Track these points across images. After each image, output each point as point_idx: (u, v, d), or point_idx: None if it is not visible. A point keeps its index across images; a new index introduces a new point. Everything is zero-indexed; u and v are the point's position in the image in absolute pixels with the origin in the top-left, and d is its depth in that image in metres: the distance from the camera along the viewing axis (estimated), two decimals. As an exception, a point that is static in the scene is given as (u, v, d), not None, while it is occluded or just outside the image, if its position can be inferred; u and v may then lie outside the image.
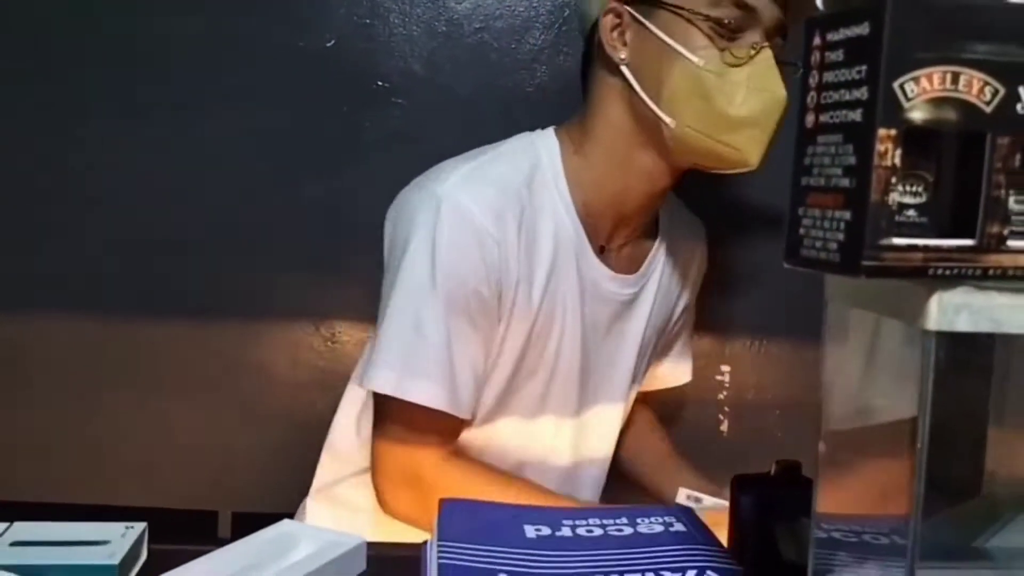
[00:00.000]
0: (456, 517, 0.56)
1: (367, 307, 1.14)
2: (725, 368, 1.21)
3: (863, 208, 0.31)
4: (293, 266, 1.13)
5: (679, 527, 0.56)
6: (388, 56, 1.11)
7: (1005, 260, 0.32)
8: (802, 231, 0.35)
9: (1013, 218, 0.33)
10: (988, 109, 0.31)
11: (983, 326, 0.33)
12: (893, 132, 0.31)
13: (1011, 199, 0.32)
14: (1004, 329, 0.33)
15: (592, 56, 0.85)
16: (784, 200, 0.37)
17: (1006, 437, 0.49)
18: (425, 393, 0.77)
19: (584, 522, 0.56)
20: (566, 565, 0.50)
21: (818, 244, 0.34)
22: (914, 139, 0.31)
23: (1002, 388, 0.49)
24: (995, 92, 0.31)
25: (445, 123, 1.11)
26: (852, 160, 0.32)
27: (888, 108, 0.31)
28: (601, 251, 0.86)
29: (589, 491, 0.93)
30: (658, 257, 0.92)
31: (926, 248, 0.32)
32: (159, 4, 1.10)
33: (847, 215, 0.32)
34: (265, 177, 1.12)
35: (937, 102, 0.31)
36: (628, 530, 0.55)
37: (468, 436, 0.85)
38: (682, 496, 0.86)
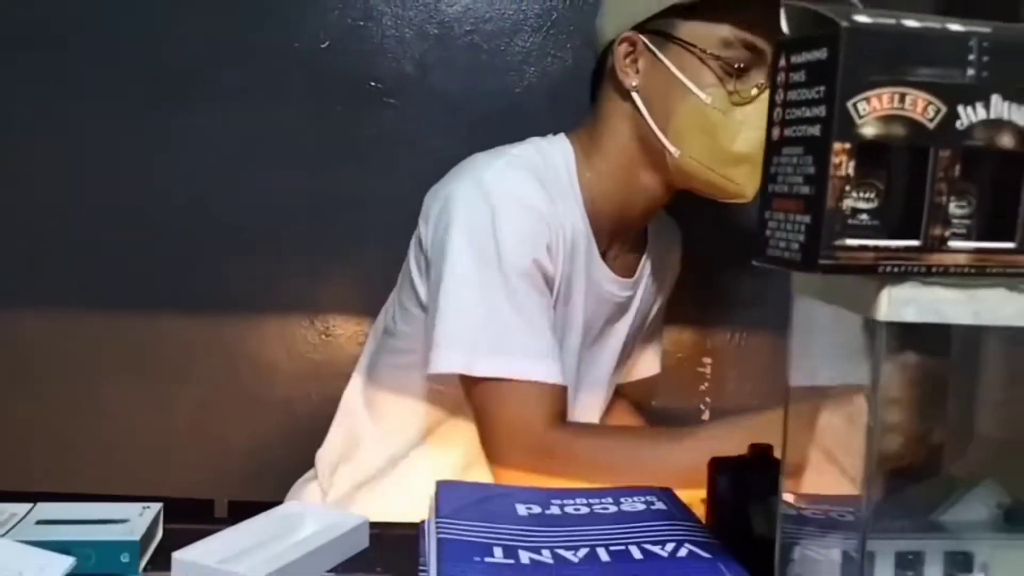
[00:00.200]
0: (452, 497, 0.59)
1: (361, 302, 1.18)
2: (707, 360, 1.26)
3: (820, 213, 0.35)
4: (289, 262, 1.17)
5: (660, 505, 0.60)
6: (381, 57, 1.15)
7: (947, 259, 0.37)
8: (768, 232, 0.39)
9: (954, 221, 0.37)
10: (931, 126, 0.35)
11: (928, 317, 0.37)
12: (847, 146, 0.35)
13: (952, 205, 0.36)
14: (946, 320, 0.37)
15: (603, 74, 0.88)
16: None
17: (963, 421, 0.53)
18: (536, 369, 0.77)
19: (572, 501, 0.60)
20: (555, 539, 0.53)
21: (782, 244, 0.38)
22: (866, 152, 0.35)
23: (960, 375, 0.53)
24: (937, 110, 0.35)
25: (436, 123, 1.14)
26: (811, 170, 0.36)
27: (843, 124, 0.35)
28: (603, 256, 0.90)
29: None
30: (647, 263, 0.96)
31: (876, 248, 0.36)
32: (156, 5, 1.12)
33: (807, 219, 0.36)
34: (262, 175, 1.15)
35: (886, 119, 0.35)
36: (612, 508, 0.59)
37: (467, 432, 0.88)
38: None
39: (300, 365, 1.20)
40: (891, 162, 0.36)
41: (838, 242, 0.35)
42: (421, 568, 0.54)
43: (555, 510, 0.59)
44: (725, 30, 0.78)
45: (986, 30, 0.36)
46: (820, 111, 0.35)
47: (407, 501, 0.64)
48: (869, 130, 0.35)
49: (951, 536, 0.51)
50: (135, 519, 0.55)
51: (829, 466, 0.46)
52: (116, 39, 1.12)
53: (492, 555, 0.51)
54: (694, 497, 0.63)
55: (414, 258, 0.88)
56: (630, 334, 0.97)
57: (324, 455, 0.98)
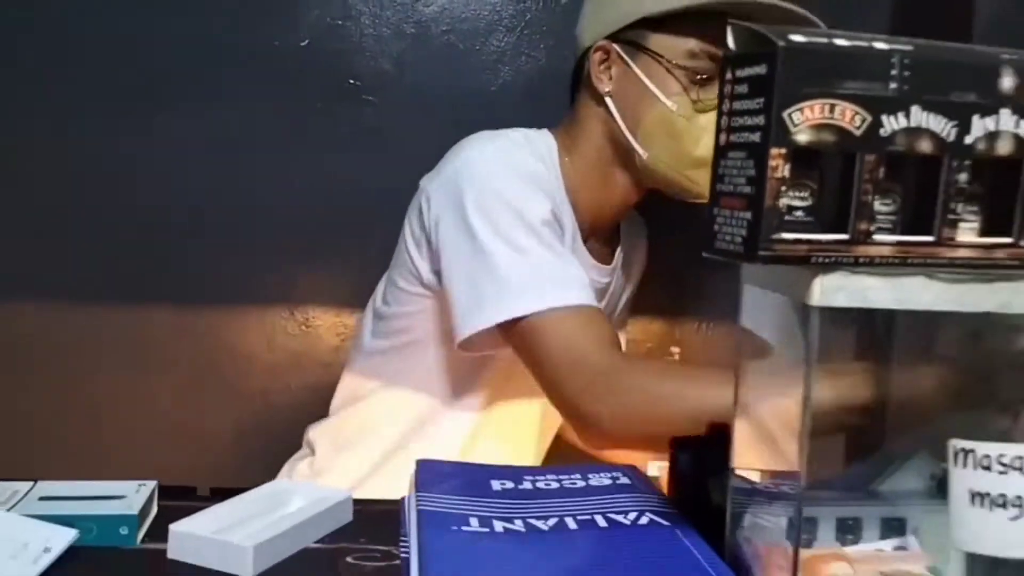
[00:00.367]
0: (431, 474, 0.63)
1: (340, 294, 1.22)
2: (675, 349, 1.31)
3: (760, 210, 0.40)
4: (270, 255, 1.20)
5: (625, 480, 0.64)
6: (360, 56, 1.18)
7: (872, 251, 0.41)
8: (716, 227, 0.43)
9: (879, 218, 0.41)
10: (858, 133, 0.40)
11: (856, 302, 0.42)
12: (783, 151, 0.39)
13: (876, 203, 0.41)
14: (872, 305, 0.42)
15: (581, 78, 0.93)
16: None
17: (898, 398, 0.58)
18: (568, 295, 0.77)
19: (543, 477, 0.64)
20: (527, 511, 0.58)
21: (727, 238, 0.42)
22: (800, 156, 0.40)
23: (894, 358, 0.58)
24: (863, 119, 0.40)
25: (413, 119, 1.18)
26: (752, 172, 0.40)
27: (779, 132, 0.39)
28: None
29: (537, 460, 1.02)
30: (620, 255, 1.01)
31: (810, 241, 0.40)
32: (138, 4, 1.15)
33: (748, 215, 0.40)
34: (243, 171, 1.18)
35: (818, 127, 0.39)
36: (580, 483, 0.63)
37: (462, 419, 0.92)
38: (653, 468, 0.95)
39: (280, 356, 1.23)
40: (822, 165, 0.40)
41: (775, 236, 0.40)
42: (402, 539, 0.58)
43: (527, 485, 0.63)
44: (691, 43, 0.83)
45: (908, 48, 0.41)
46: (760, 120, 0.40)
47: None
48: (803, 137, 0.39)
49: (887, 503, 0.56)
50: (132, 495, 0.58)
51: (773, 441, 0.51)
52: (99, 37, 1.14)
53: (468, 524, 0.55)
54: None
55: (412, 240, 0.91)
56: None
57: (319, 438, 1.00)
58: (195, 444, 1.23)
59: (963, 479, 0.42)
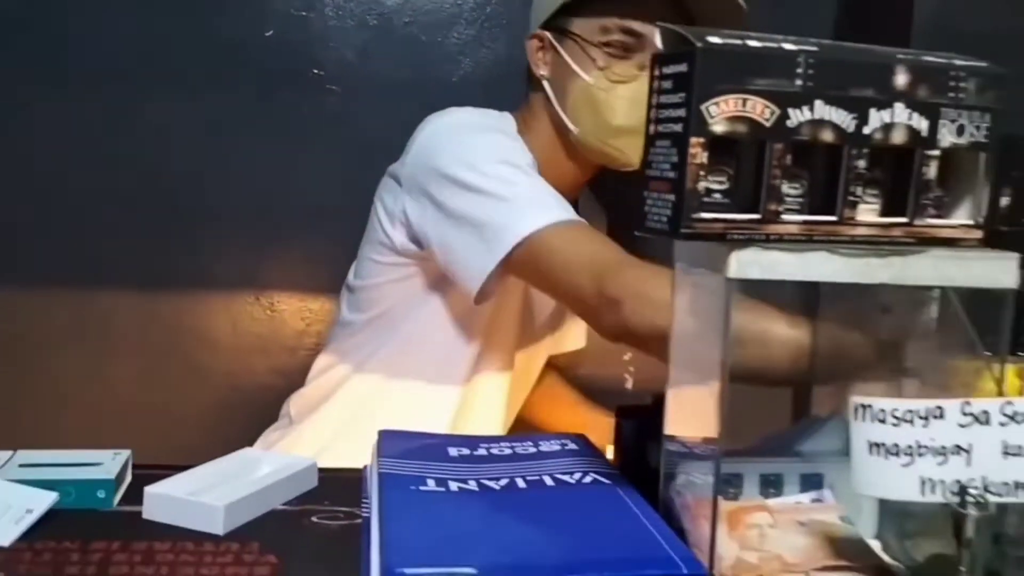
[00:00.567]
0: (393, 443, 0.68)
1: (305, 279, 1.25)
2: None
3: (682, 193, 0.45)
4: (236, 241, 1.23)
5: (573, 446, 0.69)
6: (323, 46, 1.21)
7: (781, 229, 0.47)
8: (647, 208, 0.48)
9: (787, 199, 0.47)
10: (767, 124, 0.45)
11: (768, 275, 0.47)
12: (702, 140, 0.44)
13: (785, 186, 0.46)
14: (782, 277, 0.47)
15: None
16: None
17: (816, 365, 0.64)
18: (566, 213, 0.82)
19: (497, 444, 0.69)
20: (480, 473, 0.62)
21: (656, 218, 0.47)
22: (717, 145, 0.45)
23: (822, 327, 0.64)
24: (772, 112, 0.45)
25: (376, 108, 1.22)
26: (675, 159, 0.45)
27: (698, 123, 0.44)
28: None
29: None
30: None
31: (726, 220, 0.46)
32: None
33: (672, 197, 0.45)
34: (209, 158, 1.20)
35: (732, 119, 0.44)
36: (532, 449, 0.68)
37: (449, 395, 0.97)
38: (609, 453, 1.00)
39: (246, 340, 1.26)
40: (737, 153, 0.45)
41: (695, 216, 0.45)
42: (364, 500, 0.62)
43: (482, 451, 0.68)
44: (604, 21, 0.92)
45: (813, 49, 0.46)
46: (682, 112, 0.44)
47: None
48: (719, 128, 0.44)
49: (806, 461, 0.62)
50: (108, 462, 0.62)
51: (698, 405, 0.56)
52: (64, 25, 1.16)
53: (426, 484, 0.59)
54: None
55: (385, 214, 0.96)
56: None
57: (292, 406, 1.06)
58: (161, 427, 1.26)
59: (862, 431, 0.47)
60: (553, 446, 0.69)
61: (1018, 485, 0.46)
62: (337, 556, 0.55)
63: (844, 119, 0.46)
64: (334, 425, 0.99)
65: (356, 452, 0.78)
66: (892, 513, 0.58)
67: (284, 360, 1.26)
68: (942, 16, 1.22)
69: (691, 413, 0.57)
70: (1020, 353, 0.55)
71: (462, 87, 1.23)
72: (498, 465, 0.65)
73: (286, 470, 0.64)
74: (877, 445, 0.47)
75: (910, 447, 0.46)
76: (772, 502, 0.60)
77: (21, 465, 0.60)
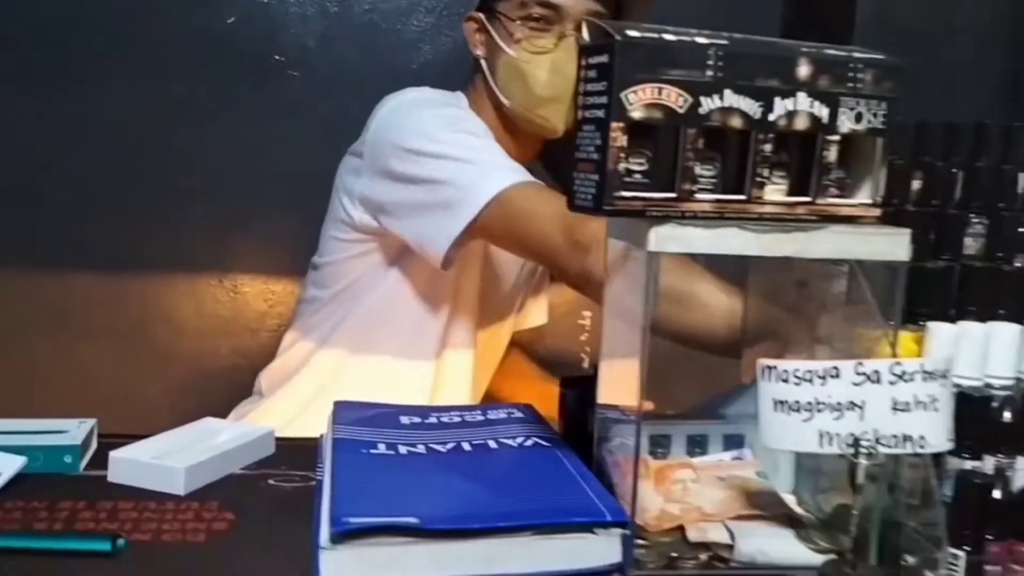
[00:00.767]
0: (347, 412, 0.72)
1: (267, 262, 1.28)
2: (587, 313, 1.41)
3: (604, 173, 0.49)
4: (199, 224, 1.25)
5: (519, 415, 0.74)
6: (284, 33, 1.24)
7: (695, 207, 0.51)
8: (576, 187, 0.52)
9: (700, 180, 0.51)
10: (681, 111, 0.49)
11: (684, 249, 0.51)
12: (622, 125, 0.48)
13: (698, 168, 0.51)
14: (697, 251, 0.52)
15: None
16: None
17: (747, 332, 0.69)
18: (525, 176, 0.88)
19: (447, 414, 0.73)
20: (429, 438, 0.67)
21: (583, 196, 0.51)
22: (636, 130, 0.49)
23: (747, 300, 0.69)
24: (686, 100, 0.49)
25: (336, 94, 1.25)
26: (599, 142, 0.49)
27: (618, 109, 0.48)
28: None
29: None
30: None
31: (645, 199, 0.50)
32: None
33: (596, 177, 0.50)
34: (173, 143, 1.23)
35: (649, 106, 0.49)
36: (480, 417, 0.72)
37: (419, 370, 1.01)
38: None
39: (210, 322, 1.29)
40: (655, 137, 0.50)
41: (617, 194, 0.49)
42: (318, 465, 0.66)
43: (432, 420, 0.72)
44: None
45: (722, 42, 0.50)
46: (604, 99, 0.49)
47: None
48: (637, 114, 0.49)
49: (729, 423, 0.67)
50: (74, 430, 0.65)
51: (628, 372, 0.60)
52: (30, 8, 1.17)
53: (376, 448, 0.63)
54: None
55: (344, 193, 1.00)
56: (522, 273, 1.11)
57: (261, 379, 1.09)
58: (126, 408, 1.26)
59: (768, 391, 0.52)
60: (500, 414, 0.74)
61: (906, 437, 0.51)
62: (291, 514, 0.59)
63: (751, 107, 0.50)
64: (302, 397, 1.03)
65: (324, 424, 0.82)
66: (807, 471, 0.63)
67: (247, 340, 1.29)
68: (883, 12, 1.28)
69: (621, 379, 0.62)
70: (920, 323, 0.61)
71: (421, 74, 1.26)
72: (447, 431, 0.69)
73: (244, 437, 0.68)
74: (781, 402, 0.52)
75: (810, 403, 0.51)
76: (697, 460, 0.65)
77: (-10, 433, 0.63)
